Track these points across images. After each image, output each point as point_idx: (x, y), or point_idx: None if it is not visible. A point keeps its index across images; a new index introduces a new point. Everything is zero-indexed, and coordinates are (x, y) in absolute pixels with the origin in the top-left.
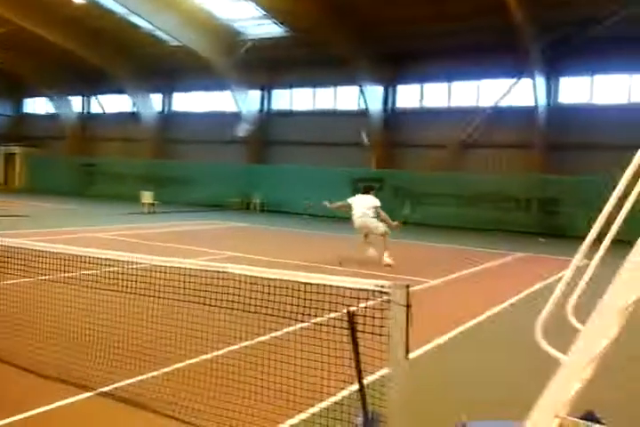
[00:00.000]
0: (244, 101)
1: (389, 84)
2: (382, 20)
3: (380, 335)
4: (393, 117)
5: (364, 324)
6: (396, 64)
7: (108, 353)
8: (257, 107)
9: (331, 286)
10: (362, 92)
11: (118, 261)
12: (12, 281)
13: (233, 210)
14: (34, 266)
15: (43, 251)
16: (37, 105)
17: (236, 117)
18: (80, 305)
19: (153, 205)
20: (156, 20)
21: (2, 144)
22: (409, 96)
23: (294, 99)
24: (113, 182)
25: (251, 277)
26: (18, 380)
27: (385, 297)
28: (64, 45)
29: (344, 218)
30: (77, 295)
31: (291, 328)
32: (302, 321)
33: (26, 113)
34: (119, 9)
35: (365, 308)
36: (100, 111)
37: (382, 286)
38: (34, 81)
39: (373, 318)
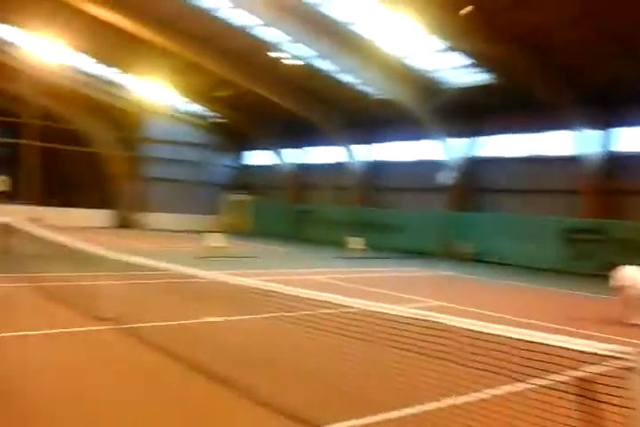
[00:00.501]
0: (447, 149)
1: (606, 126)
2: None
3: (620, 407)
4: (611, 162)
5: (597, 391)
6: (614, 106)
7: (320, 391)
8: (461, 154)
9: (554, 346)
10: (573, 136)
11: (334, 304)
12: (238, 317)
13: (437, 257)
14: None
15: (274, 291)
16: (261, 156)
17: (439, 165)
18: (295, 341)
19: (359, 250)
20: (361, 76)
21: (231, 192)
22: (632, 139)
23: (499, 145)
24: (323, 227)
25: (467, 330)
26: (238, 409)
27: (623, 363)
28: (281, 103)
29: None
30: (295, 333)
31: (507, 387)
32: (522, 381)
33: (251, 164)
34: (328, 67)
35: (597, 374)
36: (315, 162)
37: (622, 352)
38: (255, 135)
39: (608, 386)
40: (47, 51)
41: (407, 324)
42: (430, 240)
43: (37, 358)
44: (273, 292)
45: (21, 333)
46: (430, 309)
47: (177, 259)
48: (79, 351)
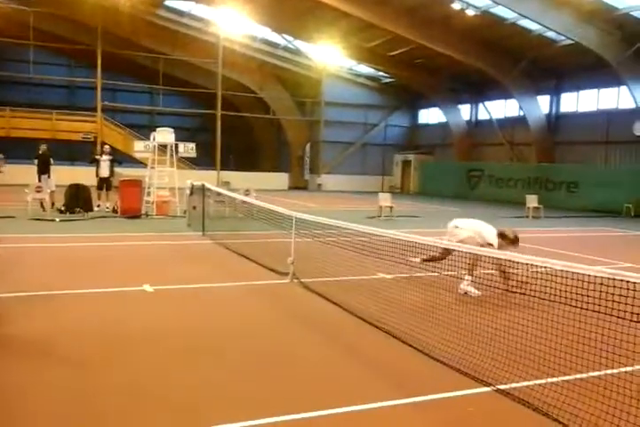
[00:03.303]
0: None
1: None
2: None
3: None
4: None
5: None
6: None
7: (507, 353)
8: None
9: None
10: None
11: (517, 262)
12: (418, 274)
13: (625, 217)
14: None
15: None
16: (430, 115)
17: (633, 115)
18: (479, 303)
19: (537, 209)
20: (546, 21)
21: (399, 152)
22: None
23: None
24: (496, 186)
25: None
26: (422, 366)
27: None
28: (455, 57)
29: None
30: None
31: None
32: None
33: (420, 123)
34: (509, 15)
35: None
36: (487, 117)
37: None
38: (427, 93)
39: None
40: (234, 24)
41: (600, 284)
42: (620, 199)
43: (233, 304)
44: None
45: (216, 284)
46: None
47: (349, 218)
48: (264, 301)
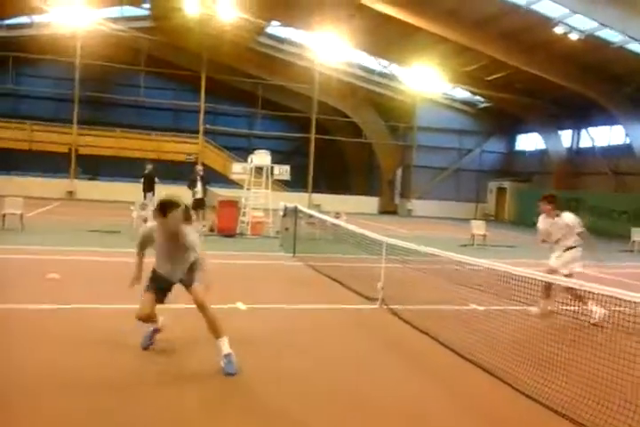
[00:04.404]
0: None
1: None
2: None
3: None
4: None
5: None
6: None
7: (605, 394)
8: None
9: None
10: None
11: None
12: (510, 307)
13: None
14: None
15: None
16: (528, 141)
17: None
18: (578, 340)
19: None
20: None
21: (494, 179)
22: None
23: None
24: (597, 217)
25: None
26: (509, 403)
27: None
28: (556, 81)
29: None
30: (572, 330)
31: None
32: None
33: (517, 150)
34: (616, 38)
35: None
36: (589, 145)
37: None
38: (525, 118)
39: None
40: (331, 50)
41: None
42: None
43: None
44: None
45: (306, 306)
46: None
47: (440, 245)
48: (352, 327)
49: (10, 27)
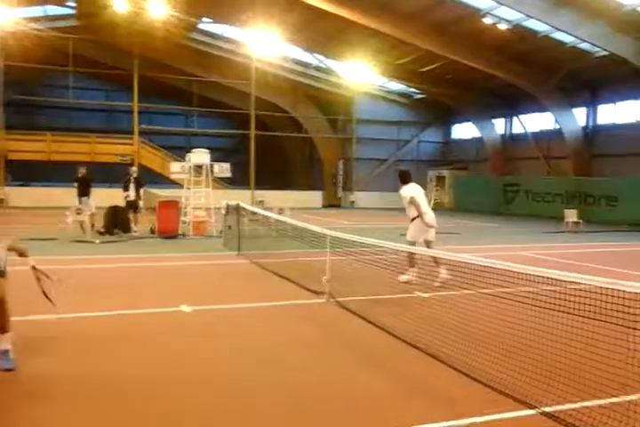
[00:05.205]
0: None
1: None
2: None
3: None
4: None
5: None
6: None
7: (544, 371)
8: None
9: None
10: None
11: (554, 279)
12: (452, 292)
13: None
14: (476, 280)
15: (485, 266)
16: (463, 130)
17: None
18: (516, 320)
19: (577, 223)
20: (579, 33)
21: (433, 168)
22: None
23: None
24: (532, 201)
25: None
26: (454, 384)
27: None
28: (487, 71)
29: None
30: (513, 311)
31: None
32: None
33: (453, 139)
34: (542, 28)
35: None
36: (522, 131)
37: None
38: (460, 108)
39: None
40: (266, 45)
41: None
42: None
43: (272, 329)
44: (483, 266)
45: (253, 304)
46: None
47: (383, 235)
48: (301, 322)
49: None
